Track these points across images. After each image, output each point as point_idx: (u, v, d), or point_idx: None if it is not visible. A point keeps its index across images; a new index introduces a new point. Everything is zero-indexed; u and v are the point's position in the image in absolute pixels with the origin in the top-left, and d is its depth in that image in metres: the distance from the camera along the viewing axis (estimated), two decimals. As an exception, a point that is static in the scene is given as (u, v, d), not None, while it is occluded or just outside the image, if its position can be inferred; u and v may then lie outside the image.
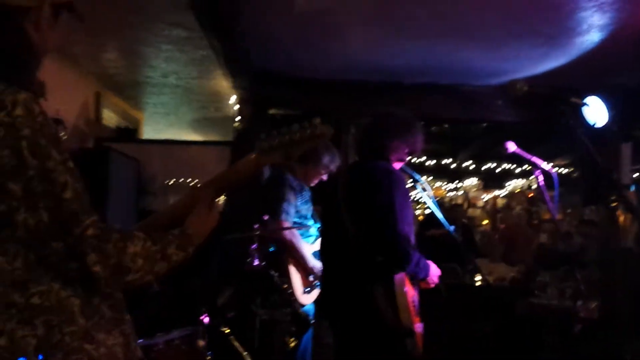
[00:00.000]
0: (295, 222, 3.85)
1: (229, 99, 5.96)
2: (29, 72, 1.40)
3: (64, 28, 1.48)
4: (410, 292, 2.79)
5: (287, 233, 3.75)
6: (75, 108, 5.21)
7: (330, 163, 3.99)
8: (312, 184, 4.06)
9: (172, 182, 5.63)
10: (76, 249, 1.28)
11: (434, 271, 2.96)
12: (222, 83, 5.61)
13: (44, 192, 1.26)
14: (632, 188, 6.68)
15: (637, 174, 9.09)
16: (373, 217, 2.78)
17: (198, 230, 1.55)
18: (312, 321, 3.71)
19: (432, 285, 3.00)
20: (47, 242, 1.28)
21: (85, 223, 1.28)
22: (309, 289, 3.86)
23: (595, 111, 2.91)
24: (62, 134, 3.36)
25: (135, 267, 1.34)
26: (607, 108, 2.93)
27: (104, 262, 1.29)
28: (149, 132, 7.78)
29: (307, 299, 3.85)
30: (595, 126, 2.93)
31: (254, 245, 3.52)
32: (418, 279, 2.88)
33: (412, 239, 2.86)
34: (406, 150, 3.05)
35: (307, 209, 4.01)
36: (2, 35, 1.34)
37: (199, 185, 1.69)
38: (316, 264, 3.80)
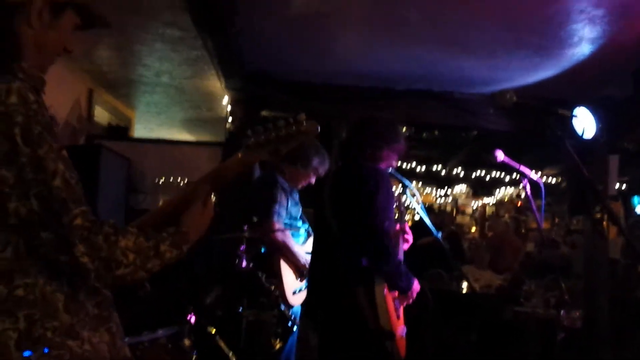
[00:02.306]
0: (285, 224, 3.87)
1: (221, 100, 5.97)
2: (22, 65, 1.38)
3: (67, 27, 1.48)
4: (390, 297, 2.82)
5: (279, 234, 3.76)
6: (67, 104, 5.21)
7: (320, 165, 4.01)
8: (300, 186, 4.07)
9: (162, 181, 5.62)
10: (65, 240, 1.27)
11: (415, 287, 2.97)
12: (215, 84, 5.62)
13: (35, 180, 1.27)
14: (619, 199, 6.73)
15: (624, 186, 9.17)
16: (356, 214, 2.80)
17: (193, 228, 1.55)
18: (298, 323, 3.72)
19: (410, 302, 3.00)
20: (37, 232, 1.28)
21: (74, 212, 1.28)
22: (298, 289, 3.87)
23: (584, 122, 2.96)
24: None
25: (126, 261, 1.33)
26: (595, 120, 2.98)
27: (92, 254, 1.28)
28: (140, 130, 7.77)
29: (297, 300, 3.86)
30: (583, 137, 2.98)
31: (243, 247, 3.54)
32: (400, 286, 2.87)
33: (393, 239, 2.90)
34: (395, 157, 3.08)
35: (296, 210, 4.02)
36: None
37: (193, 183, 1.69)
38: (308, 259, 3.82)
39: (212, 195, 1.64)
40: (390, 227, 2.90)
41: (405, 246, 3.16)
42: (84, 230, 1.28)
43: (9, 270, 1.29)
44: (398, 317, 2.89)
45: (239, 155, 1.64)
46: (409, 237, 3.19)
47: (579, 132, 2.98)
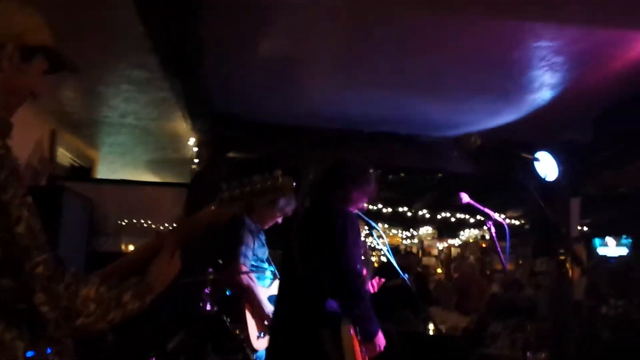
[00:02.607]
0: (252, 266, 3.82)
1: (187, 141, 5.94)
2: None
3: (36, 72, 1.47)
4: (356, 340, 2.78)
5: (244, 277, 3.71)
6: (29, 145, 5.12)
7: (286, 206, 4.00)
8: (267, 227, 4.04)
9: (125, 222, 5.52)
10: (25, 288, 1.24)
11: (381, 337, 2.94)
12: (182, 125, 5.59)
13: None
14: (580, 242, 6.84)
15: (586, 228, 9.34)
16: (325, 255, 2.78)
17: (158, 279, 1.52)
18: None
19: (378, 351, 2.96)
20: None
21: (36, 260, 1.26)
22: (263, 334, 3.80)
23: (546, 166, 3.01)
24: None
25: (87, 311, 1.31)
26: (557, 163, 3.03)
27: (52, 303, 1.25)
28: (104, 171, 7.66)
29: (261, 344, 3.79)
30: (546, 180, 3.03)
31: (207, 290, 3.47)
32: (368, 331, 2.84)
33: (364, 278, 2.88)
34: (365, 200, 3.09)
35: (263, 252, 3.98)
36: None
37: (162, 233, 1.66)
38: (271, 309, 3.76)
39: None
40: (361, 268, 2.88)
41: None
42: (44, 279, 1.26)
43: None
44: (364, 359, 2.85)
45: (212, 207, 1.63)
46: (374, 285, 3.19)
47: (542, 175, 3.03)
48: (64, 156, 6.16)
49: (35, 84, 1.48)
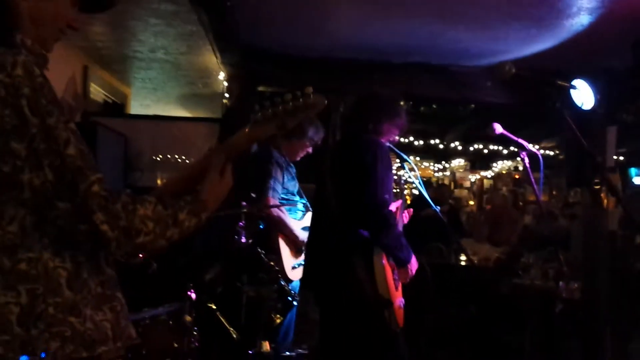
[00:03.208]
0: (282, 199, 3.86)
1: (217, 75, 5.92)
2: (16, 38, 1.37)
3: (64, 1, 1.46)
4: (389, 267, 2.83)
5: (274, 210, 3.76)
6: (62, 82, 5.16)
7: (315, 135, 4.00)
8: (299, 158, 4.06)
9: (160, 158, 5.60)
10: (83, 209, 1.26)
11: (414, 262, 2.98)
12: (211, 59, 5.57)
13: (47, 150, 1.26)
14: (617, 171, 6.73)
15: (622, 158, 9.18)
16: (355, 185, 2.81)
17: (212, 197, 1.53)
18: (297, 298, 3.74)
19: (408, 279, 3.00)
20: (53, 202, 1.27)
21: (90, 179, 1.28)
22: (297, 264, 3.88)
23: (582, 94, 2.94)
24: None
25: (146, 229, 1.33)
26: (594, 91, 2.96)
27: (112, 222, 1.28)
28: (136, 107, 7.72)
29: (295, 275, 3.88)
30: (582, 109, 2.96)
31: (242, 223, 3.53)
32: (399, 257, 2.88)
33: (391, 207, 2.90)
34: (395, 132, 3.09)
35: (293, 185, 4.02)
36: None
37: (210, 150, 1.66)
38: (305, 235, 3.83)
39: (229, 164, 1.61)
40: (390, 199, 2.90)
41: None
42: (101, 198, 1.28)
43: (14, 244, 1.29)
44: (397, 288, 2.90)
45: (247, 130, 1.62)
46: (406, 216, 3.21)
47: (578, 103, 2.96)
48: (96, 92, 6.21)
49: (67, 15, 1.47)
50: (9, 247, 1.28)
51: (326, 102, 1.60)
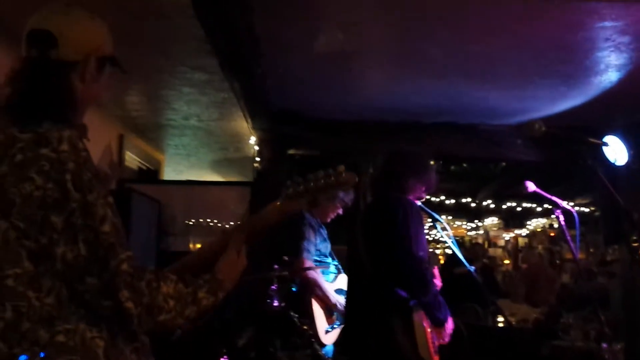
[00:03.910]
0: (315, 260, 3.85)
1: (248, 140, 6.03)
2: (73, 117, 1.45)
3: (106, 80, 1.56)
4: (429, 328, 2.77)
5: (310, 272, 3.75)
6: (99, 150, 5.30)
7: (345, 196, 4.02)
8: (328, 220, 4.07)
9: (192, 222, 5.65)
10: (110, 285, 1.29)
11: (450, 323, 2.92)
12: (242, 124, 5.68)
13: (84, 225, 1.30)
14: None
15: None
16: (389, 245, 2.78)
17: (228, 275, 1.56)
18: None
19: (447, 339, 2.94)
20: (83, 277, 1.30)
21: (120, 257, 1.31)
22: (330, 328, 3.83)
23: (615, 150, 2.91)
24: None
25: (167, 307, 1.35)
26: (627, 147, 2.93)
27: (136, 299, 1.30)
28: (170, 173, 7.86)
29: (329, 339, 3.82)
30: (616, 165, 2.93)
31: (274, 286, 3.52)
32: (437, 317, 2.83)
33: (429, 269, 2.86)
34: (423, 189, 3.08)
35: (325, 246, 4.01)
36: (51, 84, 1.41)
37: (228, 230, 1.71)
38: (339, 298, 3.79)
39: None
40: (425, 256, 2.87)
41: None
42: (128, 276, 1.30)
43: (51, 316, 1.30)
44: (436, 351, 2.84)
45: (277, 204, 1.66)
46: (438, 281, 3.17)
47: (611, 159, 2.93)
48: (131, 160, 6.35)
49: (104, 90, 1.56)
50: (46, 319, 1.30)
51: (357, 179, 1.65)
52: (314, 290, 3.78)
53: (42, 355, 1.27)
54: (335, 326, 3.85)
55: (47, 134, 1.32)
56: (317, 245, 3.90)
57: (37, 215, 1.29)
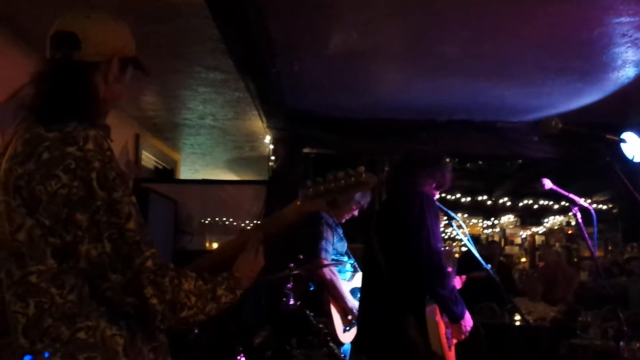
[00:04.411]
0: (332, 259, 3.86)
1: (263, 139, 6.05)
2: (96, 116, 1.47)
3: (128, 81, 1.59)
4: (442, 324, 2.76)
5: (327, 272, 3.75)
6: (116, 150, 5.26)
7: (362, 199, 4.01)
8: (344, 220, 4.07)
9: (209, 221, 5.68)
10: (134, 282, 1.30)
11: (468, 319, 2.90)
12: (257, 123, 5.70)
13: (109, 223, 1.31)
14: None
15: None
16: (406, 237, 2.77)
17: (246, 274, 1.57)
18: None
19: (464, 335, 2.93)
20: (107, 274, 1.31)
21: (145, 254, 1.32)
22: (347, 327, 3.84)
23: (633, 147, 2.88)
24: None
25: (190, 304, 1.37)
26: (645, 144, 2.90)
27: (160, 296, 1.31)
28: (185, 172, 7.90)
29: (346, 338, 3.83)
30: (634, 161, 2.90)
31: (290, 285, 3.53)
32: (453, 311, 2.81)
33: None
34: (433, 185, 3.06)
35: (342, 245, 4.01)
36: (75, 85, 1.44)
37: (246, 230, 1.71)
38: (354, 303, 3.79)
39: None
40: (441, 247, 2.85)
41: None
42: (152, 272, 1.32)
43: (73, 313, 1.32)
44: (450, 347, 2.82)
45: (298, 203, 1.67)
46: (458, 281, 3.15)
47: (629, 156, 2.90)
48: (148, 159, 6.39)
49: (126, 91, 1.58)
50: (68, 316, 1.32)
51: (376, 180, 1.65)
52: (330, 290, 3.78)
53: (46, 355, 1.29)
54: (353, 325, 3.85)
55: (74, 133, 1.34)
56: (334, 245, 3.91)
57: (63, 212, 1.31)
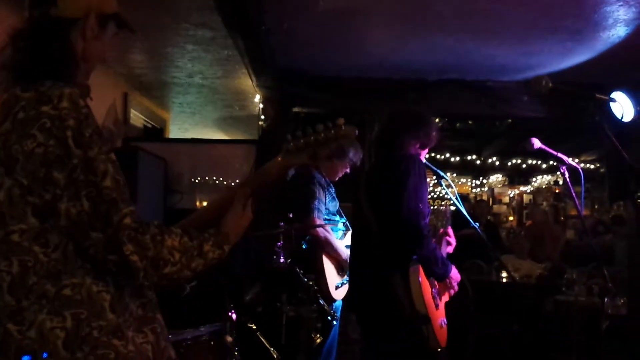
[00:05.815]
0: (325, 219, 3.88)
1: (253, 98, 6.01)
2: (74, 75, 1.46)
3: (109, 38, 1.56)
4: (427, 283, 2.80)
5: (320, 230, 3.78)
6: (103, 109, 5.30)
7: (354, 156, 4.03)
8: (337, 178, 4.09)
9: (198, 180, 5.68)
10: (114, 240, 1.31)
11: (455, 274, 2.95)
12: (247, 82, 5.66)
13: (86, 181, 1.31)
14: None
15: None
16: (388, 198, 2.80)
17: (233, 229, 1.58)
18: (338, 317, 3.74)
19: (453, 292, 2.98)
20: (87, 232, 1.32)
21: (123, 211, 1.33)
22: (340, 284, 3.89)
23: (622, 106, 2.89)
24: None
25: (173, 260, 1.38)
26: (633, 103, 2.91)
27: (141, 252, 1.32)
28: (175, 131, 7.87)
29: (339, 294, 3.88)
30: (622, 121, 2.91)
31: (280, 243, 3.56)
32: (435, 272, 2.85)
33: (427, 218, 2.87)
34: (417, 145, 3.05)
35: (334, 205, 4.04)
36: (51, 42, 1.42)
37: (234, 186, 1.71)
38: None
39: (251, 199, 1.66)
40: (425, 209, 2.87)
41: (449, 249, 3.15)
42: (131, 230, 1.32)
43: (58, 271, 1.33)
44: (437, 306, 2.87)
45: (279, 159, 1.67)
46: (452, 240, 3.17)
47: (618, 116, 2.91)
48: (136, 118, 6.35)
49: (109, 48, 1.56)
50: (53, 274, 1.33)
51: (357, 132, 1.65)
52: (325, 247, 3.82)
53: (45, 355, 1.30)
54: (345, 282, 3.90)
55: (48, 92, 1.34)
56: (327, 204, 3.93)
57: (40, 171, 1.31)
